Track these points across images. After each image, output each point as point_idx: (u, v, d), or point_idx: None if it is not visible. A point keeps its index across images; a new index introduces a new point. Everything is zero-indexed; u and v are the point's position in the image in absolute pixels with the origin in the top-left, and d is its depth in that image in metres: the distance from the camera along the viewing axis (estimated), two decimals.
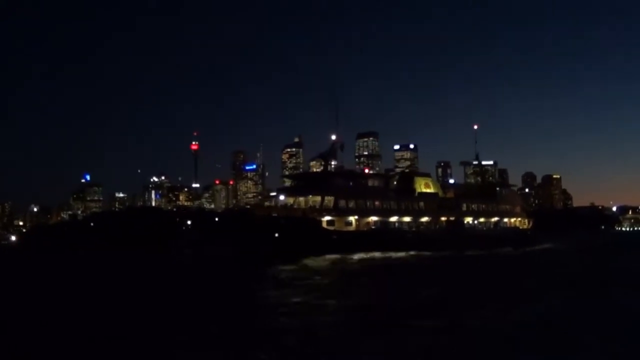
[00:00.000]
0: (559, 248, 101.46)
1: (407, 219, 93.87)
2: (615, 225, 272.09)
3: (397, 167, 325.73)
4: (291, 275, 52.26)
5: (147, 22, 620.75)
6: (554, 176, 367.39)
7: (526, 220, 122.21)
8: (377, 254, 75.82)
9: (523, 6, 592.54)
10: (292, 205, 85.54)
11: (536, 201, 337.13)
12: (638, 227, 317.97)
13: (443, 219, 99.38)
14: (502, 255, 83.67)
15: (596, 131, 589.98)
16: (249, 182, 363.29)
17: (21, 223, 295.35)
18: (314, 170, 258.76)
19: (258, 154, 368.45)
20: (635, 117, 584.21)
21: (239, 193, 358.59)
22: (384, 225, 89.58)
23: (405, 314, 30.18)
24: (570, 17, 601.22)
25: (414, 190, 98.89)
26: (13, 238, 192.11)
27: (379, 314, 30.47)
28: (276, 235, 72.65)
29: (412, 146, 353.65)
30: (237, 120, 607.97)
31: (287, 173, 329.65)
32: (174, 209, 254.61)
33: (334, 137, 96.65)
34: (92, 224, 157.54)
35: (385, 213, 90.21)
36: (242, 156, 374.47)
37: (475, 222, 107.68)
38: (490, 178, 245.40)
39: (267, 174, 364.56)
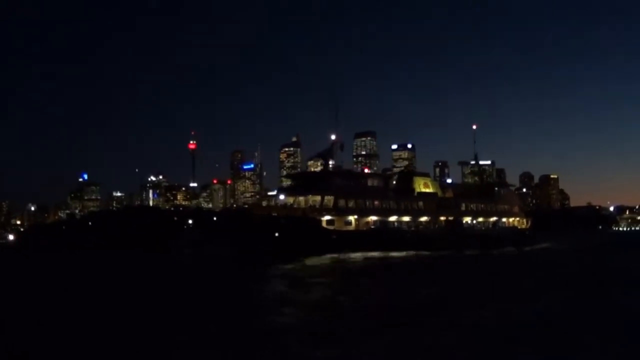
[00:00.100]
0: (557, 248, 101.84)
1: (406, 218, 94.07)
2: (613, 225, 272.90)
3: (394, 166, 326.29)
4: (291, 275, 52.40)
5: (146, 21, 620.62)
6: (552, 176, 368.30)
7: (524, 220, 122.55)
8: (376, 254, 75.98)
9: (523, 6, 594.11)
10: (292, 204, 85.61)
11: (533, 201, 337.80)
12: (635, 227, 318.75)
13: (442, 218, 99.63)
14: (501, 255, 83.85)
15: (593, 131, 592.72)
16: (247, 181, 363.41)
17: (18, 222, 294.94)
18: (312, 169, 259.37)
19: (256, 154, 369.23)
20: (634, 117, 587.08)
21: (236, 192, 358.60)
22: (383, 224, 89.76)
23: (406, 313, 30.25)
24: (570, 17, 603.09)
25: (413, 190, 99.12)
26: (11, 237, 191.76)
27: (380, 313, 30.55)
28: (276, 234, 72.71)
29: (409, 146, 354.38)
30: (236, 119, 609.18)
31: (285, 172, 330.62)
32: (172, 208, 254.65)
33: (333, 137, 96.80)
34: (90, 223, 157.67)
35: (384, 213, 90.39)
36: (240, 156, 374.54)
37: (474, 221, 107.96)
38: (488, 178, 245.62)
39: (264, 173, 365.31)
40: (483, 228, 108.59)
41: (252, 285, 45.34)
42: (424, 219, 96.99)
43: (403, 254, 78.69)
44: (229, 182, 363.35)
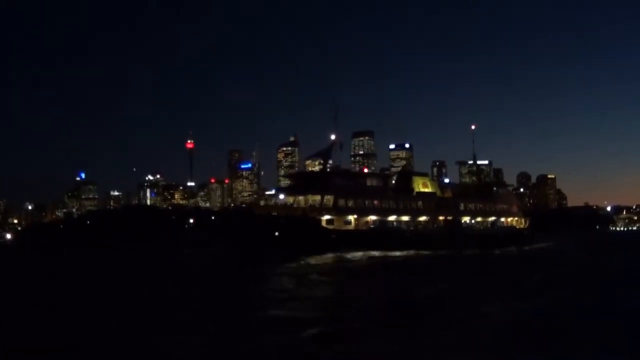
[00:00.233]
0: (555, 247, 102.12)
1: (405, 218, 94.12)
2: (610, 225, 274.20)
3: (392, 166, 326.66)
4: (292, 274, 52.52)
5: (145, 21, 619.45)
6: (549, 176, 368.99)
7: (523, 220, 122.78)
8: (376, 253, 76.14)
9: (523, 6, 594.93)
10: (291, 204, 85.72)
11: (531, 201, 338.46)
12: (632, 227, 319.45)
13: (441, 218, 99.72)
14: (500, 254, 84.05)
15: (591, 131, 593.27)
16: (245, 180, 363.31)
17: (16, 221, 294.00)
18: (310, 169, 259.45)
19: (254, 153, 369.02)
20: (631, 118, 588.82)
21: (234, 192, 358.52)
22: (382, 224, 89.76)
23: (406, 312, 30.44)
24: (570, 17, 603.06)
25: (412, 189, 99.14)
26: (8, 236, 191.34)
27: (381, 311, 30.63)
28: (276, 234, 72.74)
29: (407, 145, 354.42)
30: (233, 119, 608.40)
31: (282, 172, 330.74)
32: (170, 207, 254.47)
33: (333, 137, 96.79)
34: (88, 223, 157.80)
35: (384, 212, 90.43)
36: (237, 155, 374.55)
37: (473, 221, 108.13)
38: (486, 178, 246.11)
39: (262, 172, 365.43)
40: (482, 228, 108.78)
41: (254, 284, 45.46)
42: (423, 218, 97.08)
43: (402, 253, 78.80)
44: (226, 181, 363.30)
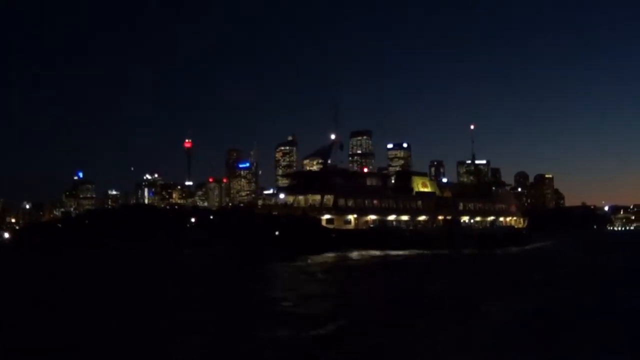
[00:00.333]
0: (554, 247, 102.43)
1: (405, 217, 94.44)
2: (607, 224, 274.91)
3: (390, 165, 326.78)
4: (292, 274, 52.69)
5: (145, 21, 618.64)
6: (547, 176, 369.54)
7: (521, 220, 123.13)
8: (376, 252, 76.36)
9: (523, 6, 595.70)
10: (291, 203, 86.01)
11: (528, 200, 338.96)
12: (630, 227, 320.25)
13: (440, 218, 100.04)
14: (499, 254, 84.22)
15: (588, 131, 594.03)
16: (243, 180, 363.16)
17: (13, 220, 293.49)
18: (308, 168, 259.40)
19: (252, 153, 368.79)
20: (629, 118, 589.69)
21: (232, 191, 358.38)
22: (382, 223, 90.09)
23: (406, 312, 30.51)
24: (570, 17, 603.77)
25: (411, 189, 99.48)
26: (6, 235, 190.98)
27: (382, 312, 30.76)
28: (276, 233, 72.94)
29: (405, 145, 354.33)
30: (231, 118, 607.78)
31: (280, 171, 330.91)
32: (167, 207, 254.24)
33: (333, 137, 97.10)
34: (86, 222, 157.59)
35: (383, 212, 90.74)
36: (235, 154, 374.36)
37: (472, 221, 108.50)
38: (484, 178, 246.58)
39: (260, 172, 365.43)
40: (481, 227, 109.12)
41: (254, 283, 45.53)
42: (422, 218, 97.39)
43: (402, 252, 79.01)
44: (224, 180, 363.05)
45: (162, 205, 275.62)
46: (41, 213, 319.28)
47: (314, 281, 47.02)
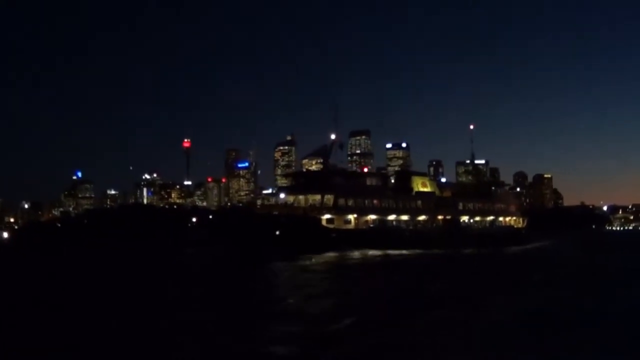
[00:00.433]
0: (553, 247, 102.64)
1: (404, 217, 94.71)
2: (606, 224, 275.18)
3: (389, 165, 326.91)
4: (292, 273, 52.85)
5: (145, 21, 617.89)
6: (545, 175, 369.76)
7: (521, 220, 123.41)
8: (375, 252, 76.61)
9: (522, 6, 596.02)
10: (292, 203, 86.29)
11: (527, 200, 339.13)
12: (628, 227, 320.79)
13: (440, 217, 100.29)
14: (499, 253, 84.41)
15: (587, 131, 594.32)
16: (242, 180, 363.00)
17: (12, 220, 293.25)
18: (307, 168, 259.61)
19: (250, 152, 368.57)
20: (627, 117, 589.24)
21: (231, 191, 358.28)
22: (382, 223, 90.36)
23: (406, 311, 30.58)
24: (570, 17, 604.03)
25: (411, 189, 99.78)
26: (5, 235, 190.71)
27: (382, 311, 30.84)
28: (277, 233, 73.15)
29: (404, 145, 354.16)
30: (230, 118, 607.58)
31: (279, 171, 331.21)
32: (167, 206, 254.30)
33: (333, 137, 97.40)
34: (86, 221, 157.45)
35: (383, 212, 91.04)
36: (234, 154, 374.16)
37: (471, 221, 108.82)
38: (484, 177, 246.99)
39: (259, 171, 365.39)
40: (480, 227, 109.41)
41: (255, 283, 45.69)
42: (422, 218, 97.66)
43: (402, 252, 79.21)
44: (223, 180, 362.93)
45: (161, 205, 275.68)
46: (40, 213, 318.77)
47: (315, 281, 47.13)
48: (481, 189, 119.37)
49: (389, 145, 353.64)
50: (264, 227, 73.31)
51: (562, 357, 21.16)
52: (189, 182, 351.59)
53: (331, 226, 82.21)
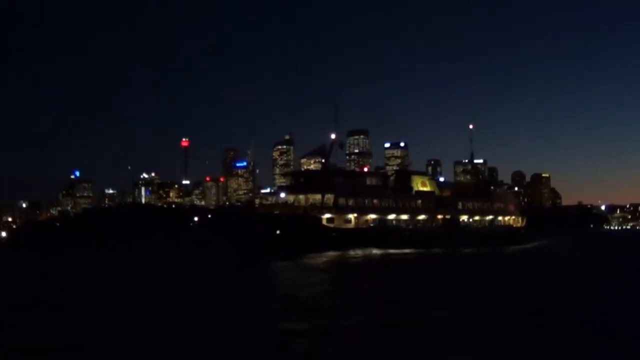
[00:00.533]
0: (552, 246, 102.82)
1: (404, 216, 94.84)
2: (604, 224, 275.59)
3: (387, 164, 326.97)
4: (293, 272, 52.94)
5: (145, 21, 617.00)
6: (543, 175, 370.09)
7: (520, 219, 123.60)
8: (375, 251, 76.84)
9: (522, 6, 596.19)
10: (292, 203, 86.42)
11: (525, 200, 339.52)
12: (626, 226, 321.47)
13: (439, 217, 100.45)
14: (499, 253, 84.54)
15: (585, 130, 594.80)
16: (240, 179, 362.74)
17: (10, 219, 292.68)
18: (305, 167, 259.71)
19: (249, 151, 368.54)
20: (625, 117, 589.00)
21: (229, 190, 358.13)
22: (382, 222, 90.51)
23: (406, 311, 30.70)
24: (570, 17, 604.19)
25: (411, 188, 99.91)
26: (3, 234, 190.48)
27: (382, 311, 30.92)
28: (277, 232, 73.25)
29: (402, 144, 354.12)
30: (228, 117, 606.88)
31: (278, 170, 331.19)
32: (165, 206, 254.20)
33: (333, 136, 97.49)
34: (85, 221, 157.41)
35: (383, 211, 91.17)
36: (232, 153, 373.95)
37: (471, 220, 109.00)
38: (481, 176, 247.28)
39: (257, 171, 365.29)
40: (480, 227, 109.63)
41: (255, 282, 45.77)
42: (421, 217, 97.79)
43: (401, 251, 79.36)
44: (221, 179, 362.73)
45: (160, 204, 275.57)
46: (38, 212, 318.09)
47: (315, 280, 47.23)
48: (481, 188, 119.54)
49: (387, 145, 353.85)
50: (265, 227, 73.41)
51: (562, 357, 21.25)
52: (187, 182, 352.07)
53: (331, 225, 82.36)
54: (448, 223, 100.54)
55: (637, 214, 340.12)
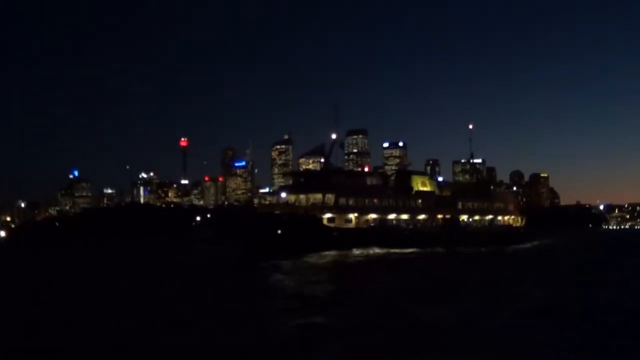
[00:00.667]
0: (551, 246, 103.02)
1: (404, 216, 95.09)
2: (602, 223, 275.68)
3: (386, 164, 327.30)
4: (294, 272, 53.08)
5: (139, 18, 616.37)
6: (542, 175, 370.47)
7: (519, 219, 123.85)
8: (376, 251, 77.08)
9: (521, 6, 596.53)
10: (293, 202, 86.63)
11: (524, 199, 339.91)
12: (624, 226, 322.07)
13: (439, 216, 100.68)
14: (498, 253, 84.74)
15: (583, 130, 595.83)
16: (238, 178, 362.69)
17: (8, 219, 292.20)
18: (304, 167, 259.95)
19: (247, 151, 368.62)
20: (624, 117, 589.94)
21: (228, 190, 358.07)
22: (382, 222, 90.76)
23: (406, 311, 30.77)
24: (570, 17, 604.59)
25: (411, 188, 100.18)
26: (2, 234, 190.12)
27: (382, 310, 31.06)
28: (279, 232, 73.42)
29: (401, 144, 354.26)
30: (227, 117, 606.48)
31: (276, 170, 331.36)
32: (163, 205, 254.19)
33: (334, 136, 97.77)
34: (84, 220, 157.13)
35: (383, 211, 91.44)
36: (231, 153, 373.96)
37: (471, 220, 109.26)
38: (480, 176, 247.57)
39: (256, 170, 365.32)
40: (479, 226, 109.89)
41: (256, 282, 45.89)
42: (421, 217, 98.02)
43: (402, 251, 79.55)
44: (220, 179, 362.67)
45: (158, 204, 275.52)
46: (36, 212, 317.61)
47: (316, 279, 47.37)
48: (480, 188, 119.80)
49: (385, 145, 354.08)
50: (267, 226, 73.59)
51: (563, 357, 21.37)
52: (186, 181, 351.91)
53: (332, 225, 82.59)
54: (448, 223, 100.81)
55: (636, 214, 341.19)
